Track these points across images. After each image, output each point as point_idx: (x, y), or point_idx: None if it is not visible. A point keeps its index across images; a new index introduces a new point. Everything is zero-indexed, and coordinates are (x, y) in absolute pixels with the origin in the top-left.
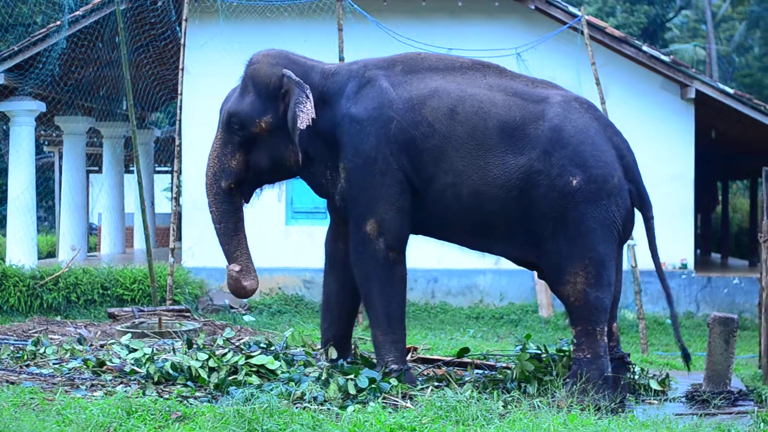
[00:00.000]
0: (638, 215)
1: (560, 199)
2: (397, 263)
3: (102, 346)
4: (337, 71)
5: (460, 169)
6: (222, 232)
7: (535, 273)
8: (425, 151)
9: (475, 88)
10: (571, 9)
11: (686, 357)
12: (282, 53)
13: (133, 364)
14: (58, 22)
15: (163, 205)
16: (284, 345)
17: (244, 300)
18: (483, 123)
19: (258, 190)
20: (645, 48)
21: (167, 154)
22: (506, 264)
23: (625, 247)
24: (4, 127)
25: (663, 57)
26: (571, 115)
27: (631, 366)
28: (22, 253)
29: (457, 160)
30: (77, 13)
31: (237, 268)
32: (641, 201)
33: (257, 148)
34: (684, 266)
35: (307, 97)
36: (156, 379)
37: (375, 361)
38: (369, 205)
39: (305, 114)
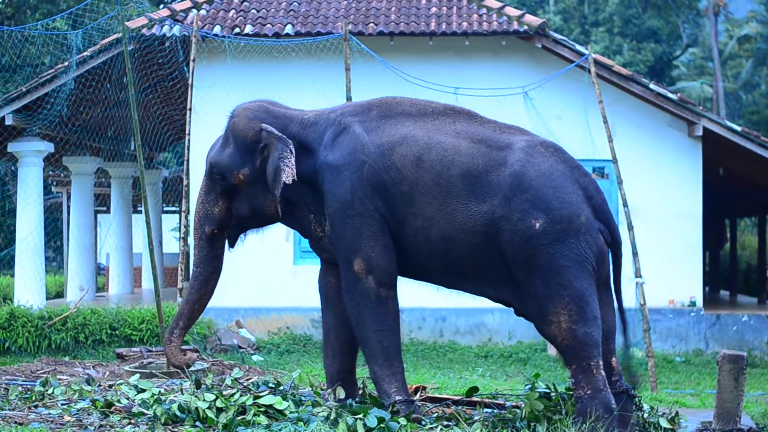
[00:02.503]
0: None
1: (525, 242)
2: (389, 299)
3: (110, 386)
4: (316, 120)
5: (428, 215)
6: (196, 276)
7: None
8: (396, 196)
9: (443, 135)
10: (578, 47)
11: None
12: (262, 106)
13: (141, 405)
14: (66, 63)
15: (170, 244)
16: (292, 385)
17: (253, 339)
18: (447, 171)
19: (242, 236)
20: (652, 86)
21: (175, 193)
22: None
23: (633, 285)
24: (13, 168)
25: (670, 95)
26: (533, 159)
27: (637, 398)
28: (30, 294)
29: (425, 206)
30: (85, 53)
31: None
32: (612, 239)
33: (238, 197)
34: (693, 304)
35: (291, 152)
36: (164, 420)
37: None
38: (354, 244)
39: (290, 168)
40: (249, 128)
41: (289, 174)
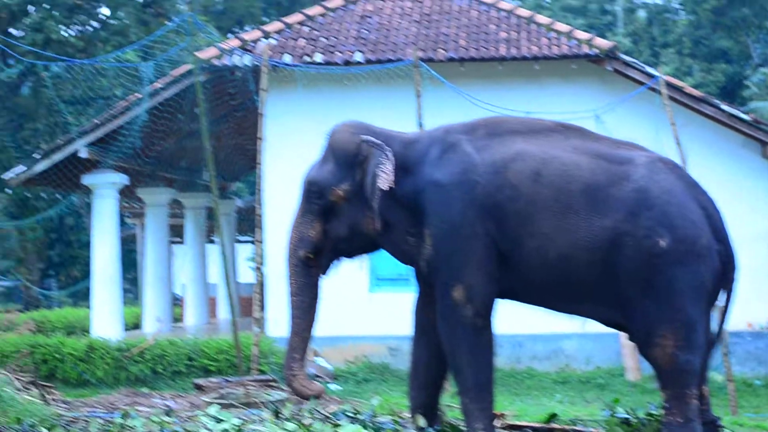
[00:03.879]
0: None
1: (648, 261)
2: (485, 329)
3: (189, 417)
4: (418, 139)
5: (545, 233)
6: (296, 305)
7: (623, 336)
8: (510, 215)
9: (559, 151)
10: (649, 69)
11: None
12: (362, 123)
13: None
14: (139, 95)
15: (245, 274)
16: (372, 414)
17: (330, 368)
18: (567, 186)
19: (336, 262)
20: (724, 107)
21: (249, 223)
22: (592, 327)
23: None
24: (87, 200)
25: (743, 116)
26: (656, 175)
27: (722, 430)
28: (108, 326)
29: (542, 223)
30: (157, 85)
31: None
32: (729, 262)
33: (335, 217)
34: None
35: (388, 159)
36: None
37: (463, 428)
38: (456, 271)
39: (386, 175)
40: (350, 142)
41: (384, 180)
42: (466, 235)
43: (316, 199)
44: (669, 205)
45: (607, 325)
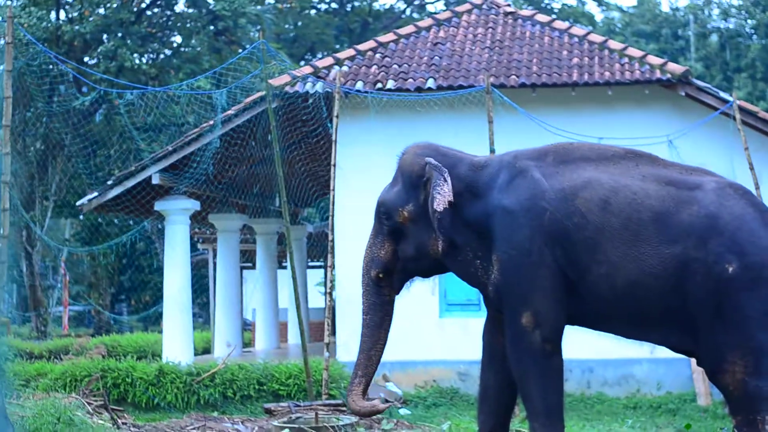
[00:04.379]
0: None
1: (717, 287)
2: (554, 355)
3: None
4: (488, 163)
5: (614, 260)
6: (366, 324)
7: (693, 361)
8: (579, 243)
9: (628, 179)
10: (722, 94)
11: None
12: (431, 145)
13: None
14: (211, 122)
15: (315, 299)
16: None
17: (400, 393)
18: (637, 214)
19: (408, 282)
20: None
21: (319, 248)
22: (663, 353)
23: None
24: (159, 226)
25: None
26: (726, 201)
27: None
28: (178, 350)
29: (611, 251)
30: (230, 112)
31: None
32: None
33: (404, 238)
34: None
35: (445, 180)
36: None
37: None
38: (524, 296)
39: (442, 196)
40: (415, 164)
41: (440, 201)
42: (534, 262)
43: (386, 220)
44: (739, 231)
45: (676, 351)
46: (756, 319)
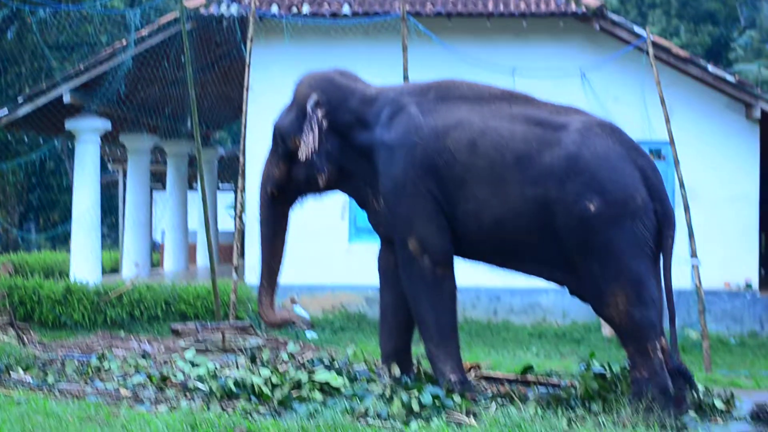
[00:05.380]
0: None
1: (580, 225)
2: (446, 278)
3: (166, 361)
4: (376, 98)
5: (481, 199)
6: (263, 235)
7: None
8: (448, 179)
9: (498, 120)
10: (637, 29)
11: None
12: (327, 76)
13: (196, 380)
14: (124, 42)
15: (225, 222)
16: (347, 362)
17: (307, 316)
18: (501, 157)
19: (301, 199)
20: (710, 68)
21: (230, 171)
22: None
23: (689, 266)
24: (70, 145)
25: (728, 77)
26: (589, 140)
27: (687, 375)
28: (86, 270)
29: (477, 191)
30: (143, 32)
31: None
32: (665, 220)
33: (296, 162)
34: (748, 286)
35: (311, 129)
36: (219, 395)
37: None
38: (408, 225)
39: (306, 145)
40: (304, 96)
41: (302, 151)
42: (410, 193)
43: (281, 144)
44: (600, 170)
45: (553, 282)
46: (627, 252)
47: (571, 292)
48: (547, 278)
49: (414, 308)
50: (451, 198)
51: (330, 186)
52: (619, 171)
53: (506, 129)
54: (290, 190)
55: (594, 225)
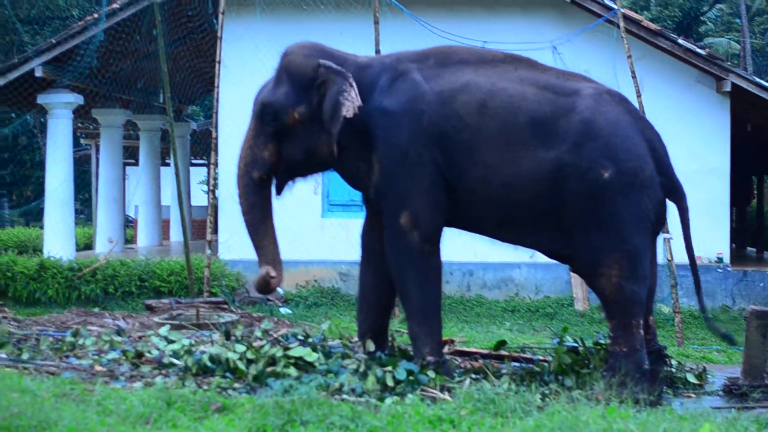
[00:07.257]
0: (673, 208)
1: (592, 192)
2: (432, 255)
3: (140, 337)
4: (370, 64)
5: (490, 163)
6: (250, 223)
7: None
8: (456, 145)
9: (506, 82)
10: (607, 2)
11: (730, 341)
12: (317, 45)
13: (171, 356)
14: (96, 15)
15: (198, 197)
16: (322, 337)
17: (281, 292)
18: (513, 117)
19: (290, 182)
20: (681, 41)
21: (203, 146)
22: (541, 257)
23: (660, 240)
24: (42, 120)
25: (699, 50)
26: (602, 107)
27: (668, 359)
28: (60, 246)
29: (487, 154)
30: (114, 5)
31: (273, 273)
32: (675, 192)
33: (290, 140)
34: (720, 260)
35: (351, 86)
36: (194, 371)
37: (412, 353)
38: (403, 197)
39: (350, 102)
40: (306, 65)
41: (349, 107)
42: (412, 163)
43: (271, 121)
44: (613, 137)
45: (550, 256)
46: (631, 224)
47: (573, 270)
48: (546, 250)
49: (398, 283)
50: (458, 166)
51: (323, 165)
52: (630, 140)
53: (516, 90)
54: (280, 172)
55: (604, 193)
